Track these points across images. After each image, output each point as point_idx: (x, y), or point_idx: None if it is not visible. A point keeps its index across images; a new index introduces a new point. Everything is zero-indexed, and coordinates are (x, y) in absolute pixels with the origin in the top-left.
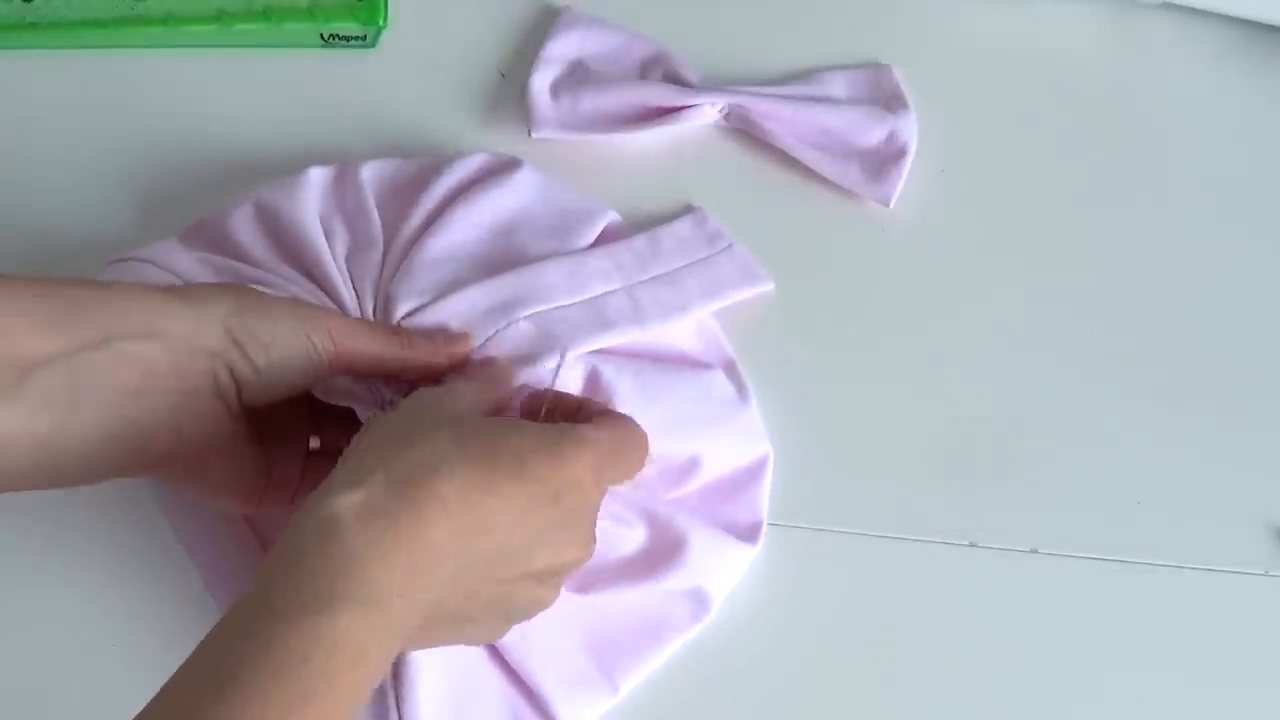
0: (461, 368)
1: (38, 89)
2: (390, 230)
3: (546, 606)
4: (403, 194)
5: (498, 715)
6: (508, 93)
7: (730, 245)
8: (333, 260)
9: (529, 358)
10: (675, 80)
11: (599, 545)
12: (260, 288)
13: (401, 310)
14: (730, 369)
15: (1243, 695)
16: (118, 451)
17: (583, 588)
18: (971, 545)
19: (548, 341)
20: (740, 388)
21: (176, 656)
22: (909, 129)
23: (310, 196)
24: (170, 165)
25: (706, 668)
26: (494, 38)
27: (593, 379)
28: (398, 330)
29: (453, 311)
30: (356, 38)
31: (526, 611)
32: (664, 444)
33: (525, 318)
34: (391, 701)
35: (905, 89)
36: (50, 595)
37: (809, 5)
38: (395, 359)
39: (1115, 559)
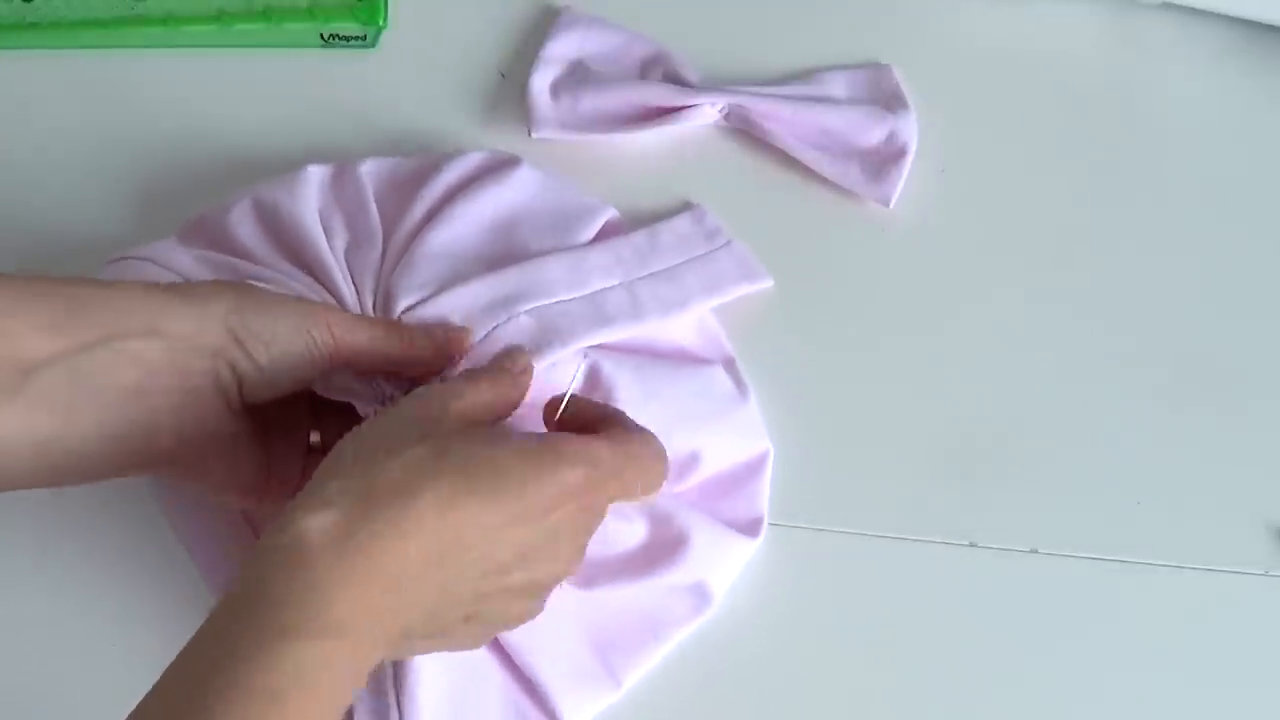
0: (456, 360)
1: (38, 89)
2: (389, 226)
3: (530, 618)
4: (402, 190)
5: (500, 710)
6: (508, 93)
7: (729, 242)
8: (332, 256)
9: (534, 353)
10: (675, 80)
11: (600, 541)
12: (260, 284)
13: (402, 305)
14: (729, 365)
15: (1243, 695)
16: (119, 451)
17: (585, 583)
18: (971, 545)
19: (548, 336)
20: (739, 384)
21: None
22: (909, 129)
23: (309, 193)
24: (170, 165)
25: (707, 669)
26: (494, 38)
27: (593, 374)
28: (398, 325)
29: (453, 306)
30: (356, 38)
31: (508, 624)
32: (664, 439)
33: (525, 312)
34: (392, 698)
35: (905, 89)
36: (50, 594)
37: (809, 5)
38: (396, 354)
39: (1115, 559)
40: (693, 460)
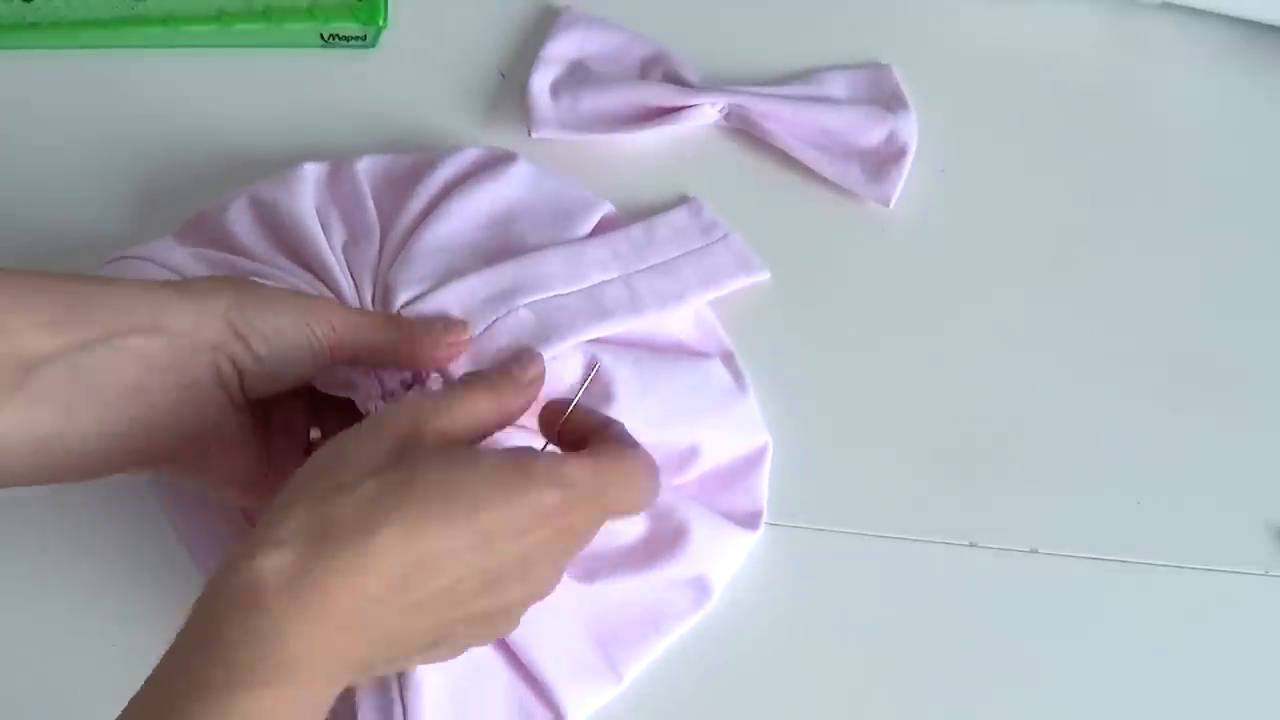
0: (456, 355)
1: (38, 89)
2: (386, 222)
3: (502, 635)
4: (398, 186)
5: (504, 704)
6: (508, 93)
7: (726, 235)
8: (330, 252)
9: (524, 347)
10: (675, 80)
11: (600, 534)
12: (260, 280)
13: (401, 299)
14: (728, 359)
15: (1243, 695)
16: (120, 447)
17: (586, 576)
18: (971, 545)
19: (547, 330)
20: (738, 377)
21: None
22: (909, 129)
23: (306, 190)
24: (170, 165)
25: (707, 670)
26: (494, 38)
27: (592, 368)
28: (397, 319)
29: (452, 300)
30: (356, 38)
31: (480, 644)
32: (663, 433)
33: (524, 306)
34: (395, 693)
35: (905, 89)
36: (49, 592)
37: (809, 5)
38: (396, 348)
39: (1115, 559)
40: (692, 453)
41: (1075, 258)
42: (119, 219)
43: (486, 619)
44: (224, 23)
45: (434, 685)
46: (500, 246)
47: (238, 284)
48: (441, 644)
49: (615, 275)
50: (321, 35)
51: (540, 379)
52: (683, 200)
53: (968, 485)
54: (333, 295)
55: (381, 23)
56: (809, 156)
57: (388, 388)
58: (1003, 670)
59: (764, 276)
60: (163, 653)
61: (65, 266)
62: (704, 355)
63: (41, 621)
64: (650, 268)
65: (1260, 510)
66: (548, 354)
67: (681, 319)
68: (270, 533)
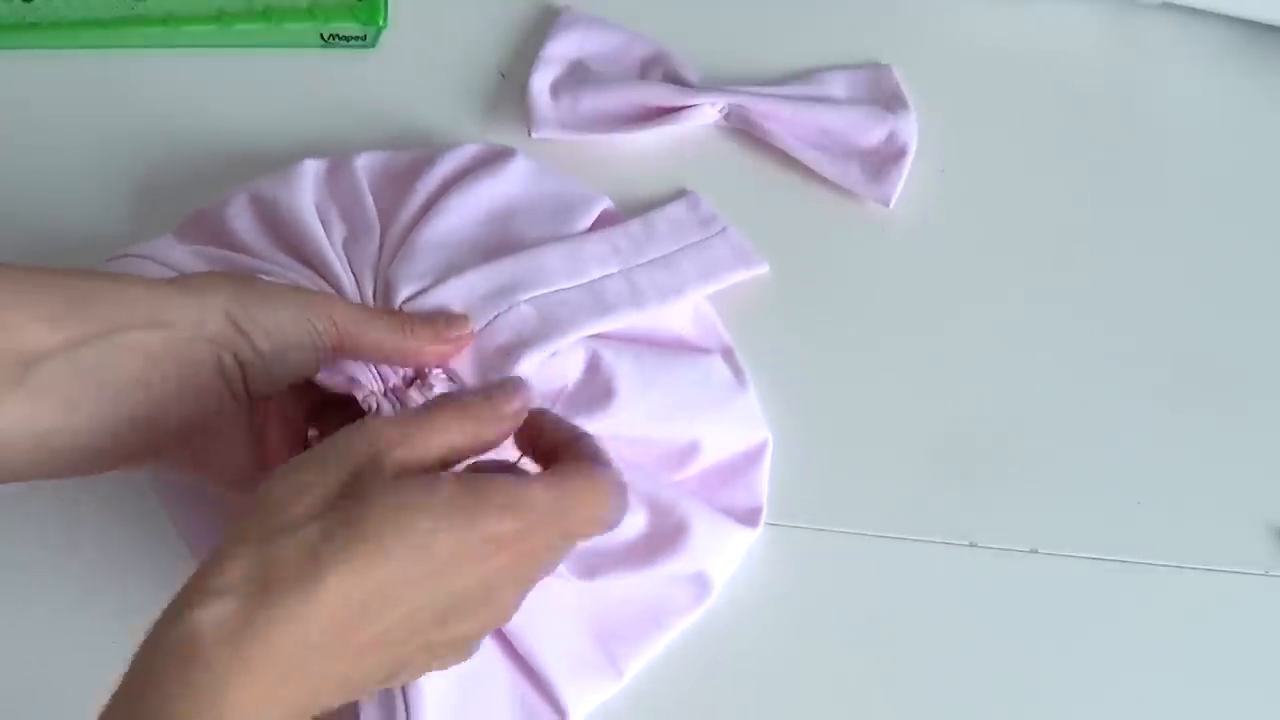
0: (458, 351)
1: (38, 89)
2: (386, 218)
3: (466, 659)
4: (397, 183)
5: (505, 701)
6: (508, 93)
7: (724, 229)
8: (331, 248)
9: (526, 343)
10: (675, 80)
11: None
12: (261, 276)
13: (402, 295)
14: (728, 355)
15: (1243, 695)
16: (121, 442)
17: (586, 573)
18: (971, 545)
19: (548, 325)
20: (738, 372)
21: None
22: (909, 129)
23: (306, 186)
24: (170, 165)
25: (708, 667)
26: (494, 38)
27: (593, 363)
28: (399, 315)
29: (453, 296)
30: (356, 38)
31: (443, 666)
32: (663, 428)
33: (525, 301)
34: (397, 691)
35: (905, 89)
36: (48, 588)
37: (809, 5)
38: (397, 343)
39: (1115, 559)
40: (692, 449)
41: (1075, 258)
42: (119, 219)
43: (446, 646)
44: (224, 23)
45: (436, 682)
46: (500, 242)
47: (238, 279)
48: (401, 673)
49: (615, 270)
50: (321, 35)
51: (524, 411)
52: (681, 193)
53: (968, 485)
54: (334, 291)
55: (381, 23)
56: (809, 156)
57: (389, 384)
58: (1003, 670)
59: (763, 270)
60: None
61: (65, 265)
62: (704, 351)
63: (40, 617)
64: (650, 262)
65: (1260, 510)
66: (550, 349)
67: (681, 315)
68: (211, 580)
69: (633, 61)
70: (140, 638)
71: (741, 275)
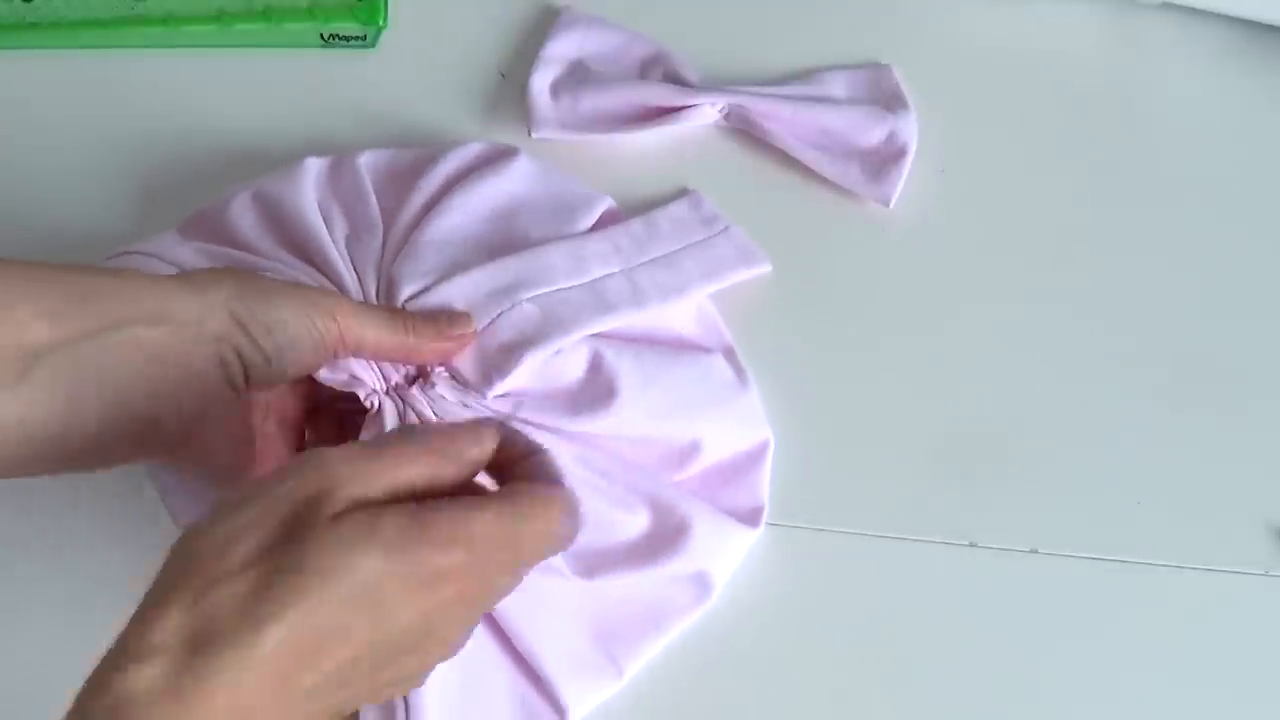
0: (460, 350)
1: (38, 89)
2: (388, 217)
3: (414, 689)
4: (400, 181)
5: (506, 701)
6: (508, 93)
7: (727, 227)
8: (334, 246)
9: (528, 341)
10: (675, 80)
11: (601, 531)
12: (263, 273)
13: (405, 293)
14: (729, 354)
15: (1243, 695)
16: (123, 438)
17: (587, 573)
18: (971, 545)
19: (550, 324)
20: (739, 372)
21: None
22: (909, 129)
23: (308, 184)
24: (170, 165)
25: (708, 667)
26: (494, 38)
27: (595, 362)
28: (401, 313)
29: (455, 294)
30: (356, 38)
31: (391, 698)
32: (664, 427)
33: (528, 300)
34: None
35: (905, 89)
36: (48, 584)
37: (809, 5)
38: (399, 341)
39: (1115, 559)
40: (693, 448)
41: (1075, 258)
42: (119, 219)
43: (396, 681)
44: (224, 23)
45: (436, 682)
46: (503, 241)
47: (241, 275)
48: (348, 707)
49: (617, 269)
50: (321, 35)
51: (489, 456)
52: (683, 192)
53: (968, 485)
54: (336, 289)
55: (381, 23)
56: (809, 156)
57: (391, 382)
58: (1003, 670)
59: (765, 269)
60: None
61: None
62: (706, 350)
63: (39, 613)
64: (652, 261)
65: (1260, 510)
66: (553, 348)
67: (684, 314)
68: (140, 639)
69: (633, 61)
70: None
71: (744, 274)
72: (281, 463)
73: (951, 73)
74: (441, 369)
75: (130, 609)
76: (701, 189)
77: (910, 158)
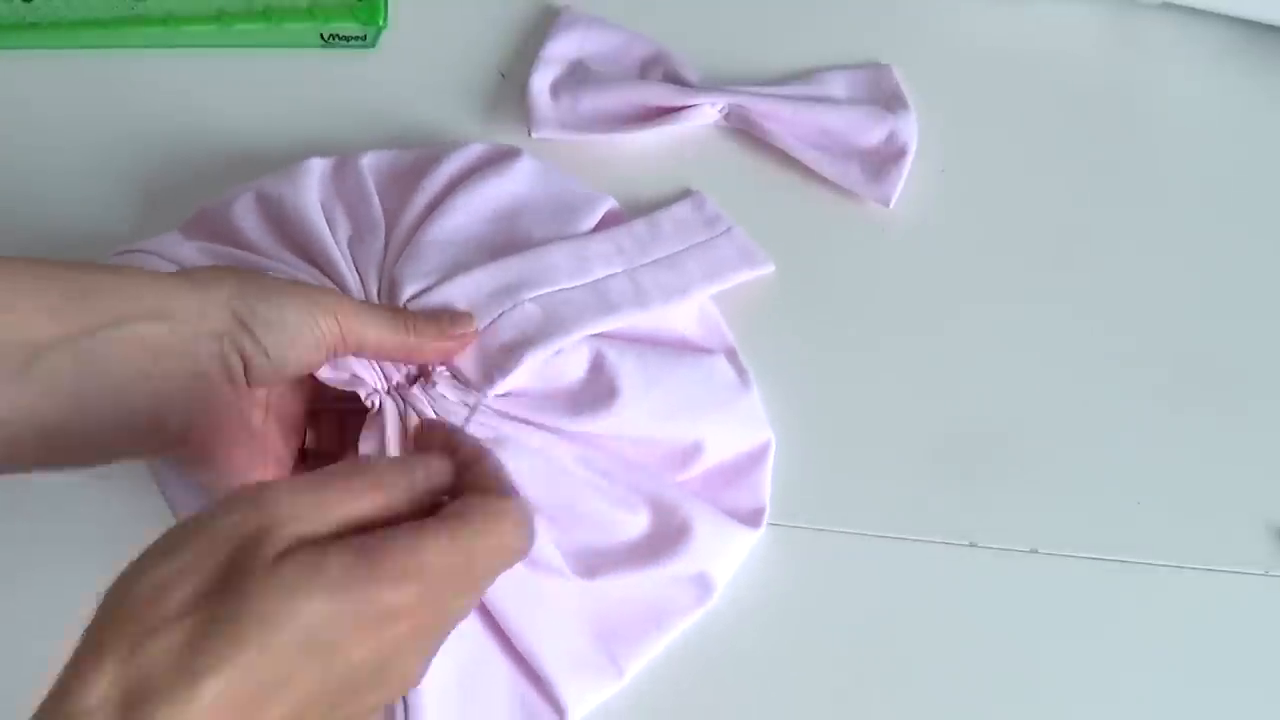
0: (461, 350)
1: (38, 89)
2: (391, 217)
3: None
4: (402, 182)
5: (505, 700)
6: (508, 93)
7: (730, 228)
8: (336, 247)
9: (530, 341)
10: (675, 80)
11: (603, 531)
12: (265, 272)
13: (407, 293)
14: (731, 355)
15: (1243, 695)
16: (125, 434)
17: (588, 572)
18: (971, 545)
19: (552, 324)
20: (741, 373)
21: None
22: (909, 129)
23: (311, 184)
24: (171, 166)
25: (708, 667)
26: (494, 38)
27: (597, 362)
28: (403, 313)
29: (458, 294)
30: (356, 38)
31: None
32: (666, 427)
33: (530, 300)
34: None
35: (905, 89)
36: (48, 580)
37: (809, 5)
38: (401, 340)
39: (1115, 559)
40: (695, 449)
41: (1075, 258)
42: (119, 219)
43: (352, 718)
44: (224, 23)
45: (435, 681)
46: (505, 241)
47: (243, 274)
48: None
49: (620, 269)
50: (321, 35)
51: (444, 486)
52: (686, 193)
53: (968, 485)
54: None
55: (381, 23)
56: (809, 156)
57: (392, 381)
58: (1003, 670)
59: (768, 269)
60: None
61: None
62: (708, 351)
63: (39, 610)
64: (654, 261)
65: (1260, 510)
66: (554, 347)
67: (686, 315)
68: (70, 700)
69: (633, 61)
70: None
71: (747, 275)
72: (282, 462)
73: (951, 73)
74: (442, 368)
75: None
76: (702, 189)
77: (910, 158)
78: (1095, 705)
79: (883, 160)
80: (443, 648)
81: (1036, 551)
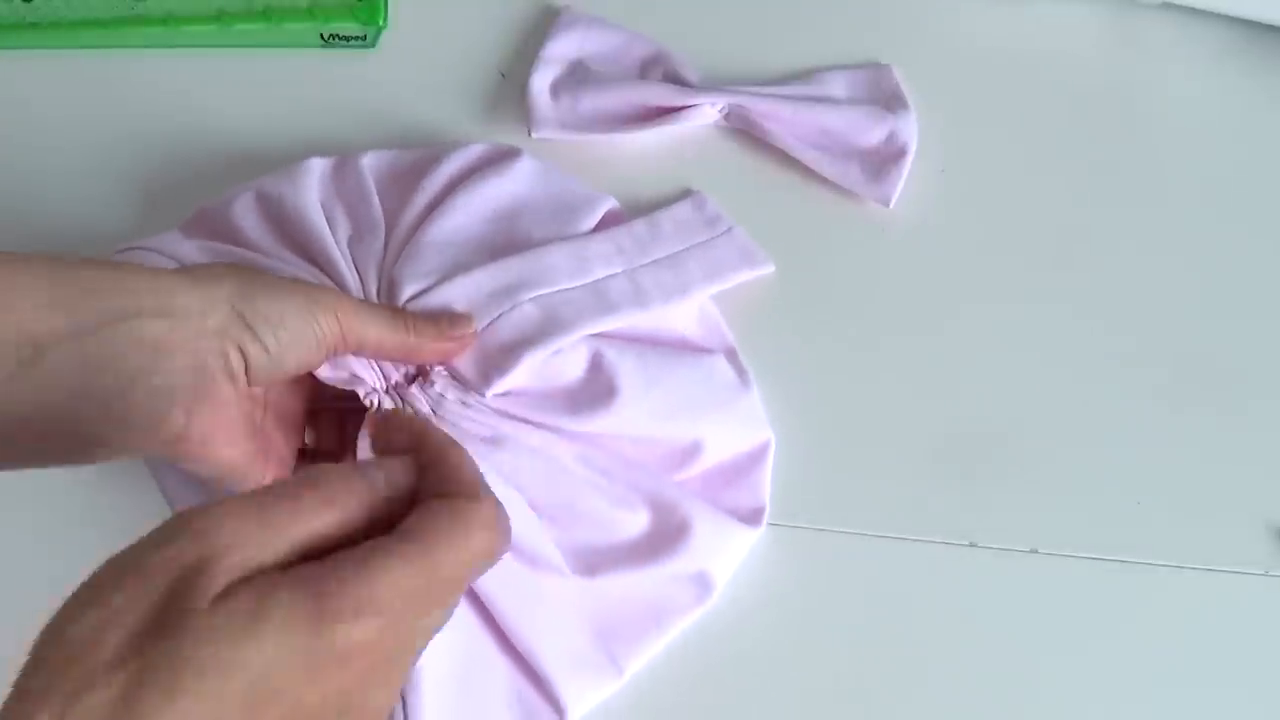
0: (460, 351)
1: (38, 89)
2: (391, 217)
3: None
4: (402, 182)
5: (504, 698)
6: (508, 93)
7: (730, 229)
8: (336, 246)
9: (529, 341)
10: (675, 80)
11: (602, 530)
12: (266, 270)
13: (406, 293)
14: (731, 355)
15: (1243, 695)
16: (126, 430)
17: (587, 571)
18: (971, 545)
19: (551, 325)
20: (741, 373)
21: None
22: (909, 129)
23: (311, 184)
24: (171, 166)
25: (708, 666)
26: (494, 38)
27: (596, 361)
28: (402, 312)
29: (457, 295)
30: (356, 38)
31: None
32: (666, 427)
33: (529, 301)
34: None
35: (905, 89)
36: (48, 577)
37: (809, 5)
38: (400, 341)
39: (1115, 559)
40: (695, 449)
41: (1075, 258)
42: (119, 219)
43: None
44: (224, 23)
45: (433, 677)
46: (505, 241)
47: (244, 272)
48: None
49: (619, 270)
50: (321, 35)
51: (407, 489)
52: (686, 193)
53: (968, 485)
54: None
55: (381, 23)
56: (809, 156)
57: (391, 381)
58: (1003, 670)
59: (769, 269)
60: None
61: None
62: (708, 351)
63: (38, 608)
64: (654, 262)
65: (1260, 510)
66: (553, 347)
67: (686, 315)
68: None
69: (633, 61)
70: None
71: (747, 275)
72: (283, 461)
73: (951, 73)
74: (441, 368)
75: None
76: (702, 189)
77: (910, 158)
78: (1095, 705)
79: (883, 160)
80: (442, 647)
81: (1036, 551)
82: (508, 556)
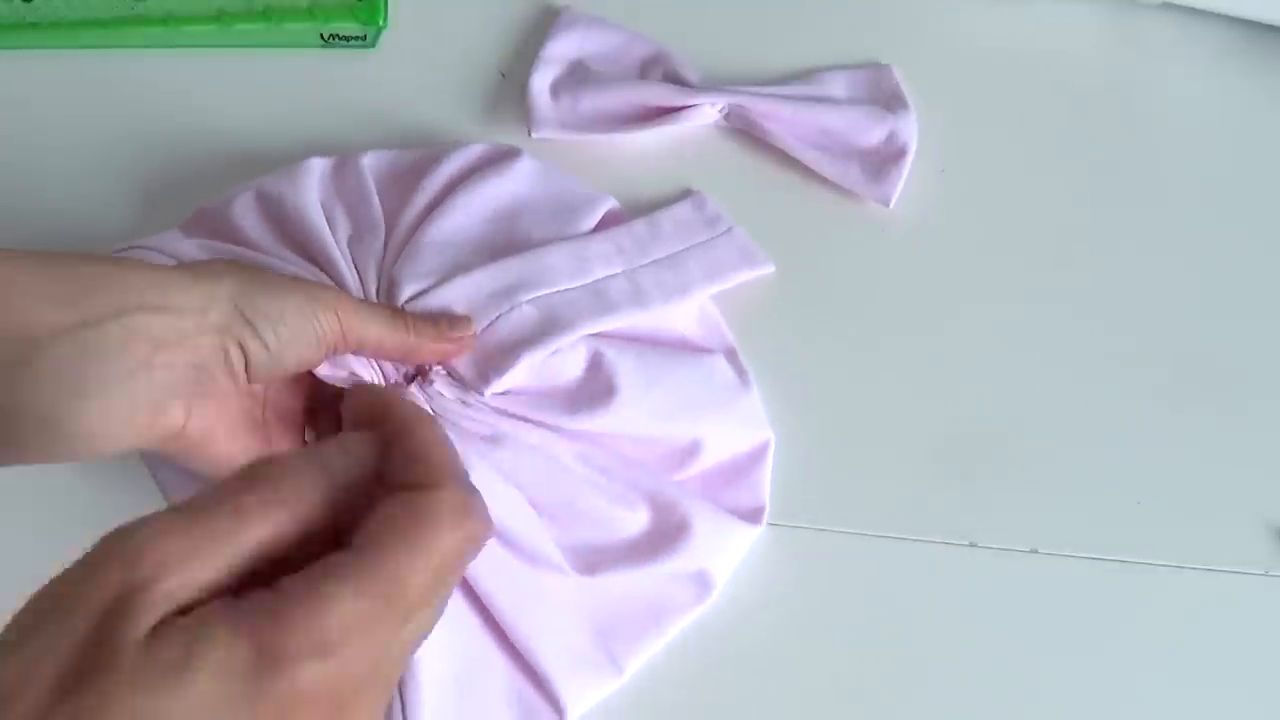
0: (460, 352)
1: (38, 89)
2: (391, 217)
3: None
4: (403, 181)
5: (503, 697)
6: (508, 93)
7: (730, 229)
8: (336, 246)
9: (528, 341)
10: (675, 80)
11: (602, 528)
12: (267, 268)
13: (406, 294)
14: (731, 355)
15: (1243, 695)
16: (126, 426)
17: (587, 570)
18: (971, 545)
19: (550, 325)
20: (741, 373)
21: None
22: (909, 129)
23: (311, 184)
24: (171, 166)
25: (708, 665)
26: (494, 38)
27: (595, 361)
28: (402, 312)
29: (456, 295)
30: (356, 38)
31: None
32: (666, 427)
33: (528, 301)
34: (394, 687)
35: (905, 89)
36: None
37: (809, 5)
38: (400, 341)
39: (1115, 559)
40: (695, 448)
41: (1075, 258)
42: (119, 219)
43: None
44: (224, 23)
45: (432, 676)
46: (505, 242)
47: (245, 269)
48: None
49: (619, 270)
50: (321, 35)
51: (365, 477)
52: (686, 193)
53: (968, 485)
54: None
55: (381, 23)
56: (809, 156)
57: (390, 380)
58: (1003, 670)
59: (769, 270)
60: None
61: None
62: (707, 351)
63: None
64: (654, 262)
65: (1260, 510)
66: (552, 347)
67: (686, 315)
68: None
69: (633, 61)
70: None
71: (747, 275)
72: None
73: (951, 73)
74: (440, 368)
75: None
76: (702, 189)
77: (910, 158)
78: (1095, 705)
79: (883, 160)
80: (441, 646)
81: (1036, 551)
82: (507, 555)
